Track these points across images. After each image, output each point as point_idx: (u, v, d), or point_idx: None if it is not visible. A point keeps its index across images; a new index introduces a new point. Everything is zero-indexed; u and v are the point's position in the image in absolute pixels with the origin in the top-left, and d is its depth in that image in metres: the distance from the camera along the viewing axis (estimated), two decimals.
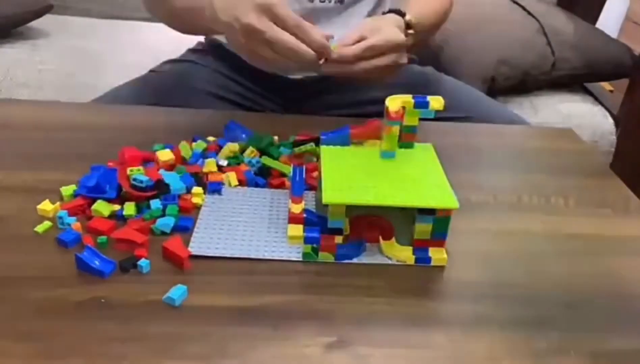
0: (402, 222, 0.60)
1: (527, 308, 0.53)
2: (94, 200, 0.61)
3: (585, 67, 1.53)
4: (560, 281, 0.57)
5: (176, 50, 1.06)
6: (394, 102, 0.59)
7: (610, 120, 1.51)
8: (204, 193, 0.64)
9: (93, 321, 0.48)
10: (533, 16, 1.57)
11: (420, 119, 0.62)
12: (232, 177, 0.67)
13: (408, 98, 0.60)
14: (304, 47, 0.65)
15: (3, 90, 1.38)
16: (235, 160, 0.70)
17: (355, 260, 0.57)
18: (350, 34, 0.73)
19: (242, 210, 0.63)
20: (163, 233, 0.58)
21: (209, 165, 0.67)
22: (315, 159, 0.71)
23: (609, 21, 2.07)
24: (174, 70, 0.99)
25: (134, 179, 0.61)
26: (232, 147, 0.71)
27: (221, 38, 1.00)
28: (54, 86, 1.41)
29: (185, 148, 0.70)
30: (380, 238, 0.58)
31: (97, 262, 0.53)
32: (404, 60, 0.73)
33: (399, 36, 0.73)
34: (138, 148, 0.68)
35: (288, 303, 0.52)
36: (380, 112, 0.60)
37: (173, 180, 0.63)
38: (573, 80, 1.57)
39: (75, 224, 0.58)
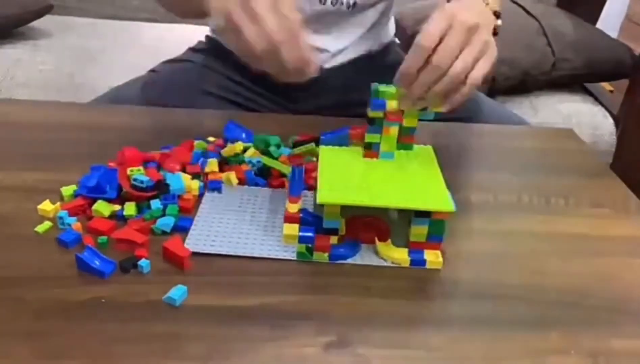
0: (399, 224, 0.60)
1: (527, 308, 0.53)
2: (94, 200, 0.61)
3: (585, 67, 1.53)
4: (561, 281, 0.57)
5: (176, 50, 1.06)
6: (392, 103, 0.59)
7: (610, 120, 1.51)
8: (204, 191, 0.65)
9: (93, 321, 0.48)
10: (533, 16, 1.57)
11: (420, 120, 0.62)
12: (232, 176, 0.67)
13: None
14: (286, 50, 0.56)
15: (3, 90, 1.38)
16: (236, 159, 0.70)
17: (350, 261, 0.57)
18: (413, 58, 0.58)
19: (241, 208, 0.63)
20: (163, 233, 0.58)
21: (211, 165, 0.67)
22: (314, 159, 0.71)
23: (609, 21, 2.07)
24: (174, 70, 0.99)
25: (134, 179, 0.62)
26: (237, 146, 0.71)
27: (221, 38, 1.00)
28: (54, 86, 1.41)
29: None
30: (376, 239, 0.58)
31: (97, 262, 0.53)
32: (483, 36, 0.59)
33: (463, 15, 0.58)
34: (138, 148, 0.68)
35: (287, 303, 0.52)
36: None
37: (173, 180, 0.63)
38: (573, 80, 1.57)
39: (75, 224, 0.58)
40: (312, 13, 0.88)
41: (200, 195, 0.65)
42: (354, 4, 0.90)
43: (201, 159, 0.69)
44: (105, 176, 0.62)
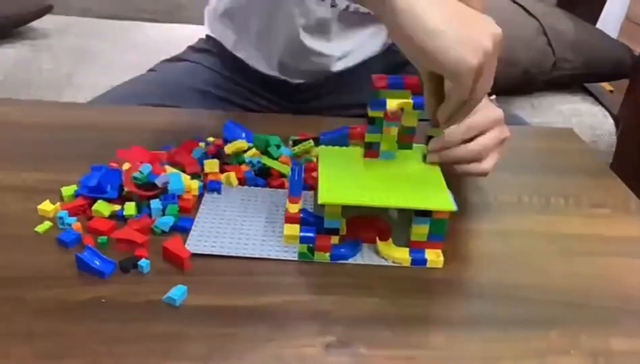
0: (400, 223, 0.60)
1: (527, 308, 0.53)
2: (94, 201, 0.61)
3: (585, 67, 1.53)
4: (560, 281, 0.57)
5: (176, 50, 1.06)
6: (393, 103, 0.59)
7: (610, 120, 1.51)
8: (204, 191, 0.65)
9: (93, 321, 0.48)
10: (533, 16, 1.57)
11: (420, 120, 0.61)
12: (232, 176, 0.67)
13: (407, 99, 0.60)
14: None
15: (3, 90, 1.38)
16: (236, 159, 0.70)
17: (351, 261, 0.57)
18: (465, 129, 0.63)
19: (241, 209, 0.63)
20: (163, 233, 0.58)
21: (211, 165, 0.67)
22: (314, 159, 0.71)
23: (609, 21, 2.07)
24: (173, 70, 0.99)
25: (134, 177, 0.62)
26: (239, 143, 0.71)
27: (221, 38, 1.00)
28: (54, 86, 1.41)
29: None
30: (377, 238, 0.58)
31: (97, 262, 0.53)
32: (507, 133, 0.66)
33: (496, 111, 0.66)
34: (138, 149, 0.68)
35: (287, 303, 0.52)
36: None
37: (173, 179, 0.63)
38: (573, 80, 1.57)
39: (75, 224, 0.58)
40: (323, 16, 0.88)
41: (200, 195, 0.65)
42: (356, 9, 0.90)
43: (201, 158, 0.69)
44: (106, 176, 0.62)
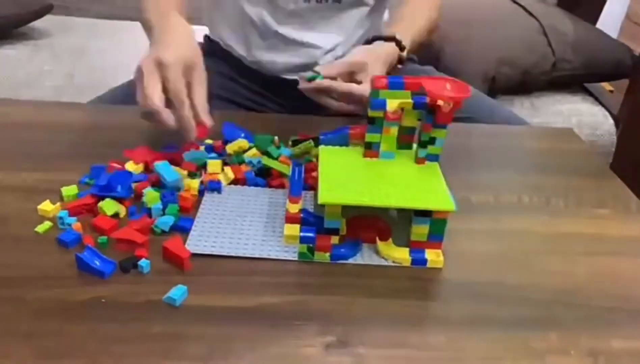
0: (400, 223, 0.60)
1: (527, 308, 0.53)
2: (100, 199, 0.61)
3: (585, 67, 1.53)
4: (561, 281, 0.57)
5: None
6: (393, 103, 0.59)
7: (610, 120, 1.51)
8: (204, 191, 0.65)
9: (93, 321, 0.48)
10: (533, 16, 1.57)
11: (420, 120, 0.61)
12: (228, 170, 0.66)
13: (407, 99, 0.60)
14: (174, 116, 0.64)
15: (3, 90, 1.38)
16: (236, 159, 0.70)
17: (351, 261, 0.57)
18: (339, 64, 0.82)
19: (241, 209, 0.63)
20: (163, 233, 0.58)
21: (212, 165, 0.67)
22: (314, 159, 0.71)
23: (609, 21, 2.07)
24: None
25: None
26: (241, 142, 0.71)
27: (220, 39, 1.00)
28: (54, 86, 1.41)
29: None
30: (377, 238, 0.58)
31: (97, 262, 0.53)
32: (362, 112, 0.76)
33: (366, 92, 0.74)
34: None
35: (287, 303, 0.52)
36: None
37: (166, 171, 0.63)
38: (573, 80, 1.57)
39: (75, 224, 0.58)
40: (298, 10, 0.88)
41: (200, 195, 0.65)
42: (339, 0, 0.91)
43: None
44: (116, 176, 0.62)
